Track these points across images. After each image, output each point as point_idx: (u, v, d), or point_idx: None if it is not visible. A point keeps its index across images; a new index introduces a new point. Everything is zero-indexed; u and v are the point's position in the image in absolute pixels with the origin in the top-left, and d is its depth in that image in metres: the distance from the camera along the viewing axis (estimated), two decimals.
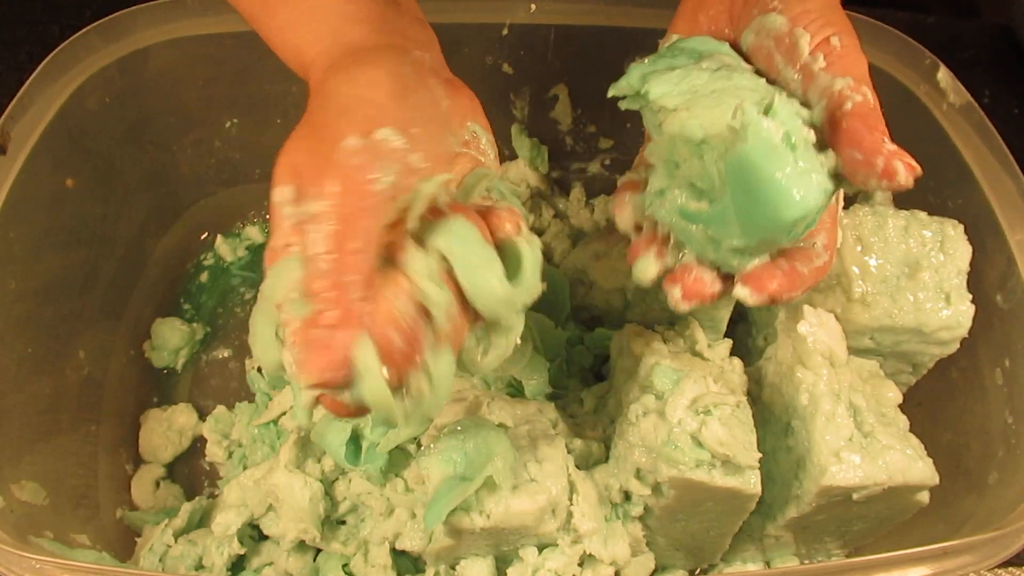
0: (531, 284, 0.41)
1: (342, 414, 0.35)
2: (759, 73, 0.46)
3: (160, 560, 0.63)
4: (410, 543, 0.59)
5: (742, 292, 0.45)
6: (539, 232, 0.82)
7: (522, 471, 0.54)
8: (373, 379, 0.34)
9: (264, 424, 0.70)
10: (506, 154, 0.83)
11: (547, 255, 0.80)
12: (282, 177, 0.34)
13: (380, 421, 0.38)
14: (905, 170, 0.39)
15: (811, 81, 0.43)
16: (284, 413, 0.68)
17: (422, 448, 0.56)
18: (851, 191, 0.45)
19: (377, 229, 0.33)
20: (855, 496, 0.54)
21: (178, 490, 0.71)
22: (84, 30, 0.66)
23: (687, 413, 0.53)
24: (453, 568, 0.59)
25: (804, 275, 0.46)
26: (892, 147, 0.39)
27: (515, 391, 0.66)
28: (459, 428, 0.55)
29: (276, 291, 0.34)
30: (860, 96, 0.41)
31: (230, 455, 0.72)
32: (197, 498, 0.68)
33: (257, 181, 0.83)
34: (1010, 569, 0.66)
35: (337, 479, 0.63)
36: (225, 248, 0.83)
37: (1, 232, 0.59)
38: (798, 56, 0.43)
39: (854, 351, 0.61)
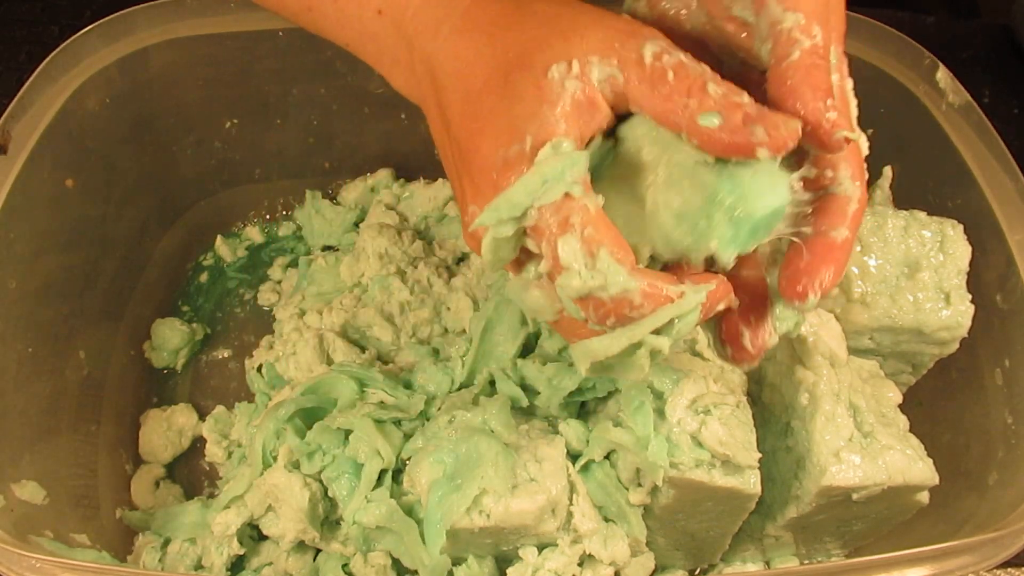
0: None
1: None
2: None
3: (160, 560, 0.63)
4: None
5: None
6: None
7: (522, 471, 0.54)
8: None
9: None
10: None
11: None
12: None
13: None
14: (840, 145, 0.38)
15: (762, 7, 0.39)
16: None
17: (411, 458, 0.57)
18: None
19: None
20: (855, 496, 0.54)
21: (178, 490, 0.71)
22: (84, 30, 0.66)
23: (687, 413, 0.53)
24: (452, 568, 0.59)
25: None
26: (832, 116, 0.38)
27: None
28: (451, 432, 0.55)
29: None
30: (809, 40, 0.38)
31: (230, 455, 0.72)
32: (197, 498, 0.68)
33: (257, 181, 0.83)
34: (1010, 570, 0.66)
35: (336, 480, 0.63)
36: (225, 249, 0.83)
37: (1, 232, 0.59)
38: None
39: (854, 351, 0.61)
